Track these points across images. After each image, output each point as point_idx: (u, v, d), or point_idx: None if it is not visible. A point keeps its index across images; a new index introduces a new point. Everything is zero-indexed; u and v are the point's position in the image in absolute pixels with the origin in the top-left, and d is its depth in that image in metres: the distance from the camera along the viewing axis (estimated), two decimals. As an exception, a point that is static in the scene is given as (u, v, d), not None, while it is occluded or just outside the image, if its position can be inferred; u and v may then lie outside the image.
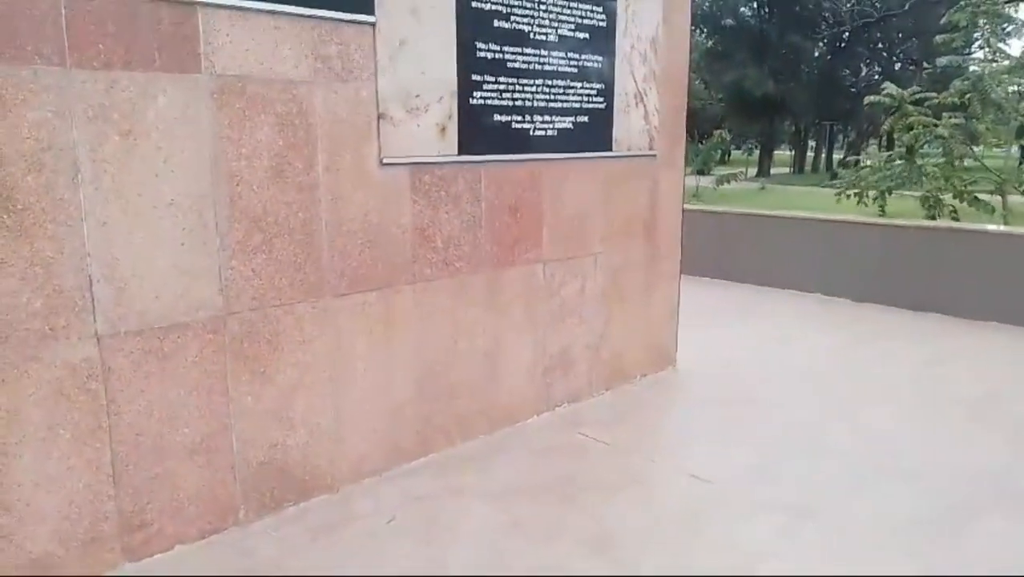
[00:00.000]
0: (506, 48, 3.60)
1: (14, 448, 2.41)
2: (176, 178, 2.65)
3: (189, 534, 2.85)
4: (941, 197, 11.39)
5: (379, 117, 3.18)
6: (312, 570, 2.70)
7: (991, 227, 7.37)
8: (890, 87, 12.05)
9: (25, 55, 2.29)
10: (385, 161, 3.23)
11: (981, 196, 11.43)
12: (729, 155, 39.27)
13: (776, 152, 42.01)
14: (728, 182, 21.67)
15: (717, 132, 24.12)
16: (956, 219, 10.56)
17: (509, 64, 3.63)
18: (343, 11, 2.99)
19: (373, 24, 3.09)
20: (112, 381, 2.59)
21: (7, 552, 2.43)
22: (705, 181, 22.34)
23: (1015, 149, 12.37)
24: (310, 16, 2.90)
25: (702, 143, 23.61)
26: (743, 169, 30.75)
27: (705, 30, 34.62)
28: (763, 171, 36.68)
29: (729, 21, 35.18)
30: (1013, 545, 2.87)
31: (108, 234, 2.52)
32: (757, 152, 41.40)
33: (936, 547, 2.85)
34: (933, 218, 10.82)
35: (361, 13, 3.04)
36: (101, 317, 2.54)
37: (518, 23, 3.63)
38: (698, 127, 30.13)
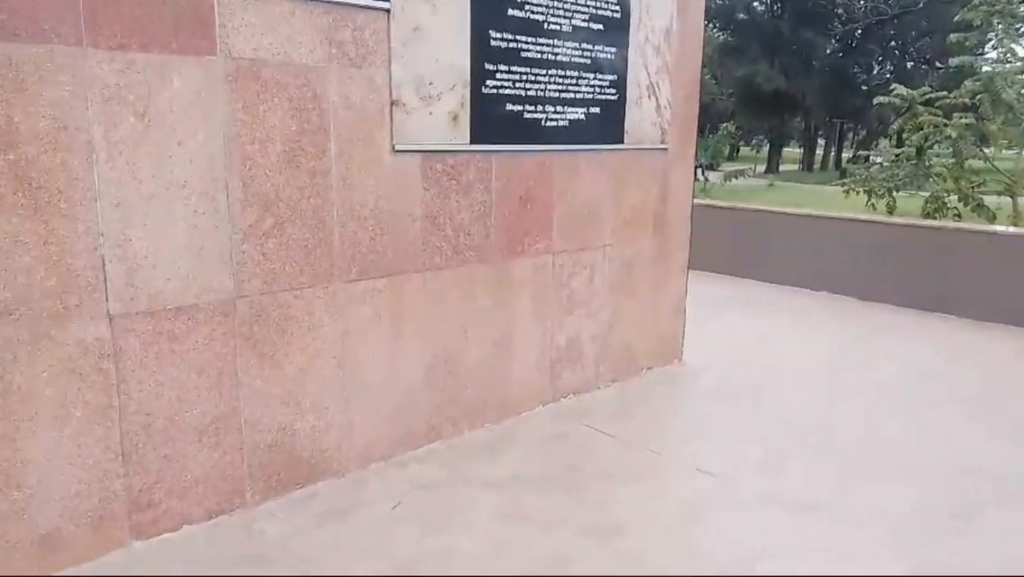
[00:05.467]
0: (520, 37, 3.60)
1: (26, 425, 2.43)
2: (189, 160, 2.66)
3: (196, 514, 2.87)
4: (946, 200, 11.32)
5: (392, 104, 3.19)
6: (318, 555, 2.72)
7: (999, 227, 7.34)
8: (900, 89, 11.97)
9: (43, 34, 2.30)
10: (397, 148, 3.23)
11: (989, 199, 11.36)
12: (738, 151, 39.11)
13: (785, 149, 41.86)
14: (736, 178, 21.59)
15: (723, 126, 24.01)
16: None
17: (523, 53, 3.62)
18: (358, -3, 2.99)
19: (388, 10, 3.09)
20: (123, 361, 2.61)
21: (18, 528, 2.46)
22: (713, 176, 22.27)
23: (1026, 151, 12.27)
24: (325, 1, 2.90)
25: (711, 136, 23.52)
26: (752, 165, 30.61)
27: (717, 24, 34.43)
28: (772, 167, 36.54)
29: (742, 15, 34.98)
30: (1015, 544, 2.87)
31: (121, 214, 2.54)
32: (766, 148, 41.24)
33: (939, 543, 2.86)
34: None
35: (376, -1, 3.04)
36: (113, 297, 2.56)
37: (532, 12, 3.62)
38: (708, 122, 30.01)
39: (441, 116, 3.36)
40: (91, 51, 2.40)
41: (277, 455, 3.07)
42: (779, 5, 34.57)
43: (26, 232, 2.35)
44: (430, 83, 3.29)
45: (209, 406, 2.85)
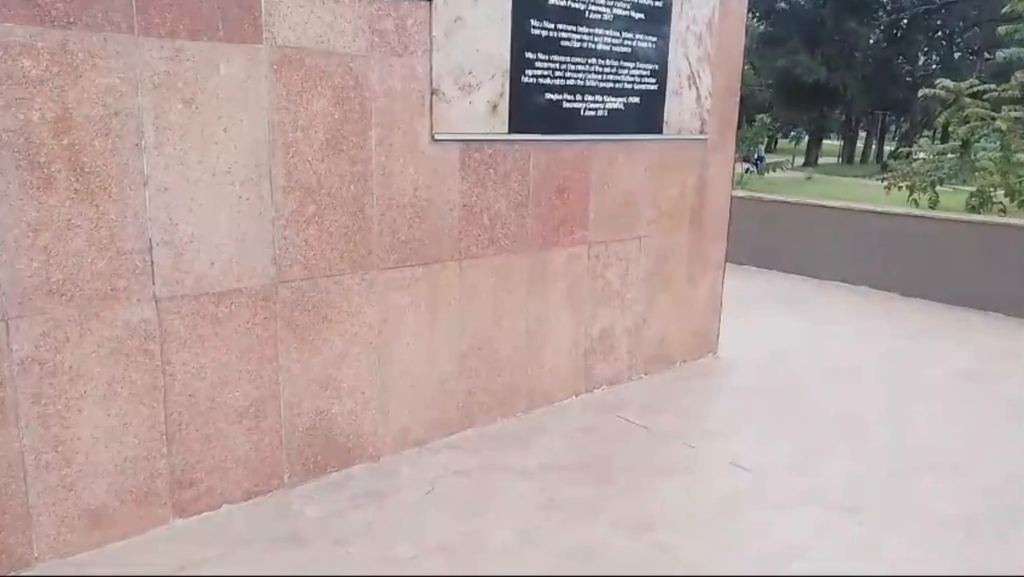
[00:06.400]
0: (560, 26, 3.58)
1: (76, 403, 2.51)
2: (235, 147, 2.71)
3: (235, 494, 2.94)
4: (992, 195, 11.02)
5: (432, 93, 3.20)
6: (352, 537, 2.77)
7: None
8: (945, 82, 11.66)
9: (96, 22, 2.35)
10: (437, 137, 3.25)
11: None
12: (776, 143, 38.46)
13: (825, 142, 41.04)
14: (773, 170, 21.24)
15: (759, 117, 23.61)
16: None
17: (563, 43, 3.60)
18: (401, -15, 3.00)
19: (430, 0, 3.10)
20: (168, 343, 2.67)
21: (68, 502, 2.54)
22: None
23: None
24: (369, -11, 2.92)
25: (749, 128, 23.16)
26: (789, 157, 30.09)
27: (757, 14, 33.80)
28: (810, 160, 35.88)
29: (783, 5, 34.29)
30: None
31: (168, 200, 2.59)
32: (805, 141, 40.48)
33: (978, 547, 2.80)
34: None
35: (418, -12, 3.05)
36: (160, 280, 2.62)
37: (574, 1, 3.60)
38: (745, 113, 29.56)
39: (480, 105, 3.37)
40: (142, 39, 2.45)
41: (315, 438, 3.12)
42: (822, -7, 33.82)
43: (78, 216, 2.41)
44: (470, 72, 3.30)
45: (250, 389, 2.90)
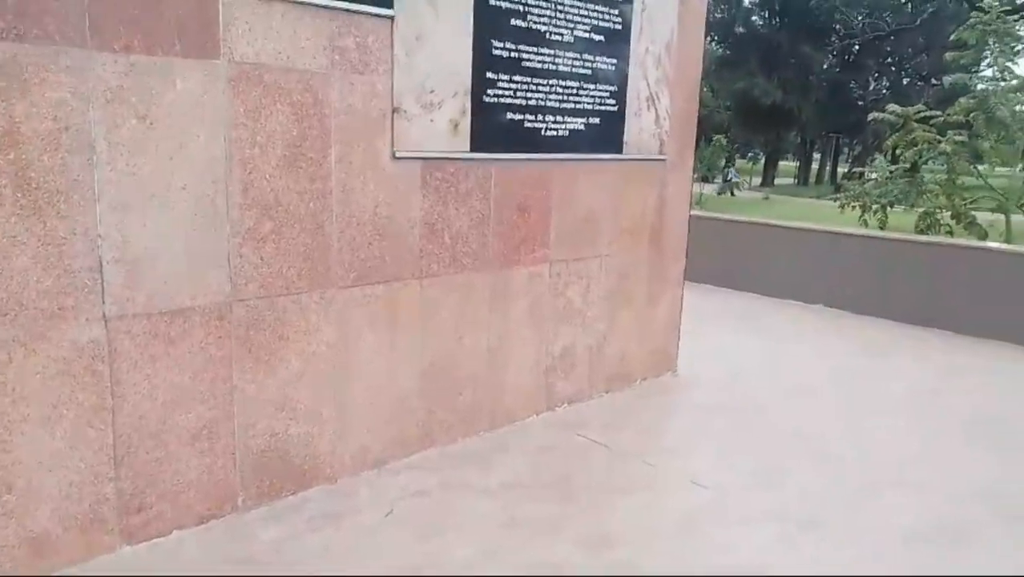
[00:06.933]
0: (522, 47, 3.61)
1: (19, 426, 2.42)
2: (190, 163, 2.66)
3: (187, 519, 2.85)
4: (939, 216, 11.40)
5: (393, 111, 3.19)
6: (309, 561, 2.71)
7: (992, 244, 7.38)
8: (894, 107, 12.08)
9: (47, 35, 2.30)
10: (397, 155, 3.24)
11: (981, 216, 11.44)
12: (734, 163, 39.31)
13: (781, 162, 42.02)
14: (733, 192, 21.71)
15: (716, 138, 24.12)
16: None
17: (524, 63, 3.64)
18: (362, 3, 2.99)
19: (391, 18, 3.10)
20: (118, 363, 2.60)
21: (8, 529, 2.44)
22: (709, 188, 22.35)
23: (1021, 168, 12.34)
24: (329, 7, 2.91)
25: (706, 148, 23.63)
26: (747, 177, 30.75)
27: (716, 37, 34.61)
28: (767, 181, 36.70)
29: (740, 29, 35.17)
30: (1011, 563, 2.87)
31: (121, 216, 2.53)
32: (762, 161, 41.40)
33: (936, 560, 2.86)
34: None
35: (380, 7, 3.05)
36: (110, 299, 2.55)
37: (535, 23, 3.64)
38: (704, 134, 30.18)
39: (442, 124, 3.37)
40: (95, 53, 2.40)
41: (270, 460, 3.06)
42: (778, 19, 34.78)
43: (24, 232, 2.34)
44: (431, 91, 3.30)
45: (203, 410, 2.83)
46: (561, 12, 3.75)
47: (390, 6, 3.08)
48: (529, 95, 3.70)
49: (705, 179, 22.93)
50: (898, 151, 13.10)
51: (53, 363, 2.46)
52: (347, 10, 2.96)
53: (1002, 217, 11.95)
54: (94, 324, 2.53)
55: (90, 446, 2.58)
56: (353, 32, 3.01)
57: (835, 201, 13.80)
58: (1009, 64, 12.26)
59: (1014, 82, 11.93)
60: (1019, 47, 12.56)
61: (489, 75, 3.51)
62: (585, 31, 3.89)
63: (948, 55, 13.32)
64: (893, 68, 35.56)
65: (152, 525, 2.77)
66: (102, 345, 2.55)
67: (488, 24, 3.45)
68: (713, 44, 34.36)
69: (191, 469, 2.84)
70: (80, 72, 2.38)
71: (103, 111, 2.44)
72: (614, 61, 4.08)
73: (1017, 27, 12.39)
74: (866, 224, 12.40)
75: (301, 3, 2.83)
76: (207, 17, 2.62)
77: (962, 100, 11.69)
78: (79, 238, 2.45)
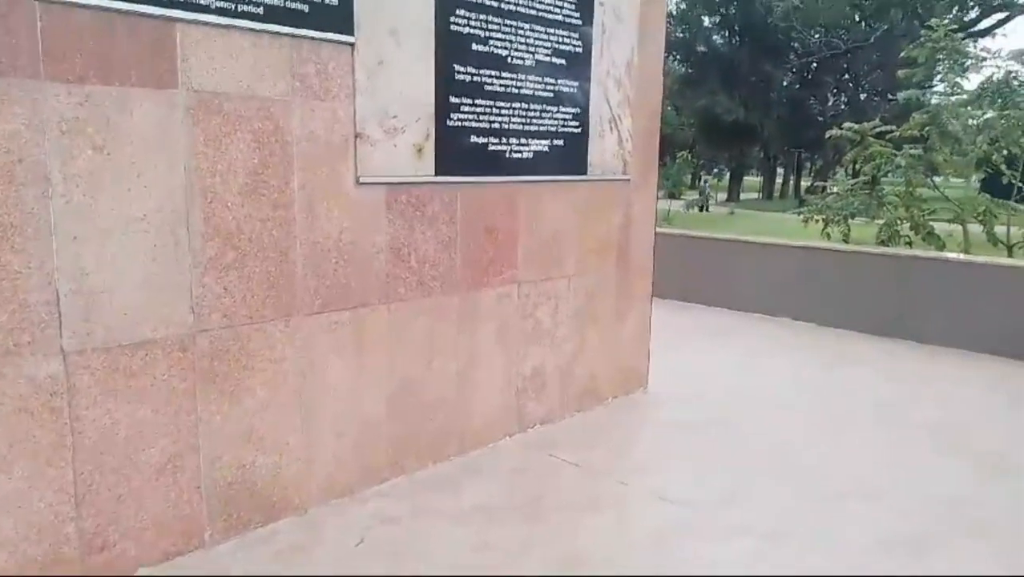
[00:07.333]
0: (484, 71, 3.64)
1: (-27, 467, 2.35)
2: (149, 193, 2.63)
3: (152, 556, 2.79)
4: (898, 229, 11.67)
5: (356, 136, 3.19)
6: (279, 593, 2.66)
7: (952, 255, 7.57)
8: (850, 125, 12.39)
9: (-2, 67, 2.27)
10: (361, 180, 3.23)
11: (940, 226, 11.73)
12: (700, 179, 39.94)
13: (746, 178, 42.77)
14: (702, 208, 22.03)
15: (681, 154, 24.50)
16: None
17: (487, 87, 3.67)
18: (322, 31, 3.00)
19: (352, 44, 3.11)
20: (77, 398, 2.54)
21: (-39, 575, 2.36)
22: (676, 205, 22.65)
23: (975, 180, 12.72)
24: (289, 35, 2.91)
25: (672, 165, 23.99)
26: (713, 193, 31.25)
27: (678, 56, 35.25)
28: (732, 196, 37.32)
29: (702, 48, 35.87)
30: (981, 570, 2.92)
31: (78, 249, 2.49)
32: (727, 177, 42.11)
33: (902, 568, 2.89)
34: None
35: (340, 33, 3.06)
36: (68, 333, 2.49)
37: (496, 47, 3.68)
38: (668, 152, 30.63)
39: (405, 148, 3.38)
40: (49, 84, 2.37)
41: (237, 493, 3.00)
42: (738, 39, 35.56)
43: (-24, 267, 2.29)
44: (394, 116, 3.31)
45: (166, 444, 2.78)
46: (522, 36, 3.79)
47: (351, 32, 3.09)
48: (493, 118, 3.73)
49: (672, 195, 23.22)
50: (857, 165, 13.42)
51: (9, 400, 2.40)
52: (307, 37, 2.96)
53: (958, 228, 12.27)
54: (52, 359, 2.47)
55: (50, 485, 2.51)
56: (314, 59, 3.01)
57: (799, 215, 14.05)
58: (959, 80, 12.67)
59: (963, 96, 12.32)
60: (968, 63, 12.97)
61: (452, 99, 3.53)
62: (546, 54, 3.94)
63: (900, 72, 13.72)
64: (851, 84, 36.48)
65: (116, 564, 2.69)
66: (60, 381, 2.50)
67: (449, 49, 3.47)
68: (676, 63, 35.00)
69: (155, 505, 2.77)
70: (33, 103, 2.34)
71: (58, 142, 2.41)
72: (576, 83, 4.13)
73: (965, 44, 12.81)
74: (828, 237, 12.64)
75: (261, 31, 2.83)
76: (164, 46, 2.60)
77: (915, 115, 12.02)
78: (35, 272, 2.40)
